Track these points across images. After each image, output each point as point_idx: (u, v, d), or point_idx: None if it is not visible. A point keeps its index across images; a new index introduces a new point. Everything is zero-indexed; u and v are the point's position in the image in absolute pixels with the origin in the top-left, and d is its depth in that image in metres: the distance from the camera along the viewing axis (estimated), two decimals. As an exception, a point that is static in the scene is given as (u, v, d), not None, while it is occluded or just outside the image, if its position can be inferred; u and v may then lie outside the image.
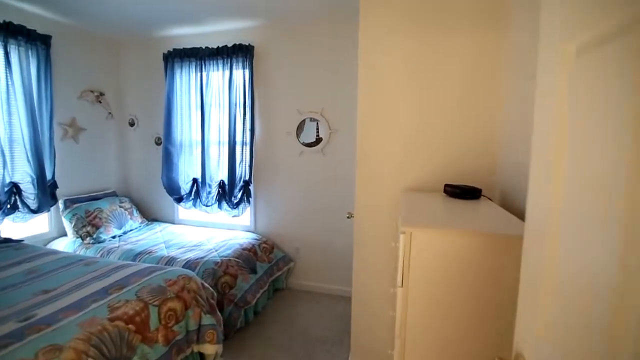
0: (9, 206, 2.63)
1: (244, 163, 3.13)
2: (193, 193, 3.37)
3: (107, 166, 3.56)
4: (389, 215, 1.80)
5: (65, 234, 3.04)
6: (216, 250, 2.74)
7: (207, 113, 3.17)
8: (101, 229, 2.99)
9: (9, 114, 2.59)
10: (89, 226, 2.95)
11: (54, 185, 2.93)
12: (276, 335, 2.44)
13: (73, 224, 2.95)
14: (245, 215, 3.28)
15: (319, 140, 3.00)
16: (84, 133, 3.28)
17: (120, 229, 3.16)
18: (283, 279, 3.16)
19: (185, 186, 3.36)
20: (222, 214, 3.30)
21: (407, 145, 1.76)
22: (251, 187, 3.20)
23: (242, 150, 3.11)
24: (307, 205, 3.11)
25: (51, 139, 2.89)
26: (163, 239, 3.04)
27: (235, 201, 3.17)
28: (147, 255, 2.65)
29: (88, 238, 2.91)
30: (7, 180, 2.62)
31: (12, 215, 2.66)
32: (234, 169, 3.12)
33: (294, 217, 3.17)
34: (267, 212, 3.27)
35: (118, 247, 2.82)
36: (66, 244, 2.91)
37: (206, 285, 2.17)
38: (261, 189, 3.26)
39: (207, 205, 3.28)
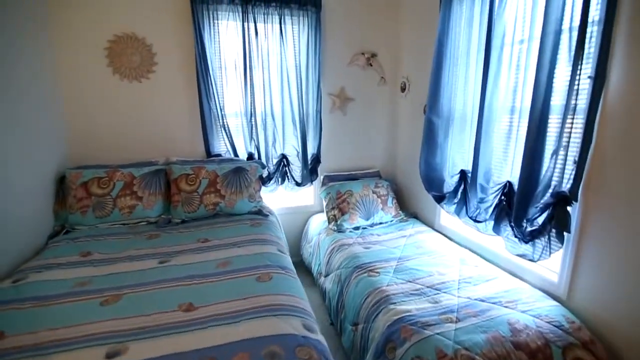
0: (279, 177, 2.77)
1: (561, 155, 1.46)
2: (459, 193, 2.14)
3: (375, 141, 3.08)
4: None
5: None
6: (476, 322, 1.45)
7: (494, 62, 1.72)
8: (346, 216, 2.57)
9: (281, 87, 2.61)
10: (336, 209, 2.62)
11: (316, 159, 2.82)
12: None
13: (325, 203, 2.74)
14: (552, 258, 1.62)
15: None
16: (352, 104, 2.92)
17: (367, 219, 2.61)
18: None
19: (450, 180, 2.19)
20: (500, 241, 1.85)
21: None
22: (575, 206, 1.49)
23: (561, 129, 1.44)
24: None
25: (317, 111, 2.72)
26: (402, 252, 2.14)
27: (529, 228, 1.61)
28: (363, 275, 1.88)
29: (332, 223, 2.59)
30: (279, 152, 2.74)
31: (284, 184, 2.80)
32: (536, 165, 1.53)
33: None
34: (609, 266, 1.43)
35: (350, 245, 2.27)
36: (319, 223, 2.77)
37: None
38: (602, 209, 1.45)
39: (475, 220, 1.96)
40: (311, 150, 2.79)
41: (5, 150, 1.74)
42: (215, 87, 2.45)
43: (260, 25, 2.46)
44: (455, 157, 2.15)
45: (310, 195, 3.03)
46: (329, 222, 2.64)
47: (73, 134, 2.32)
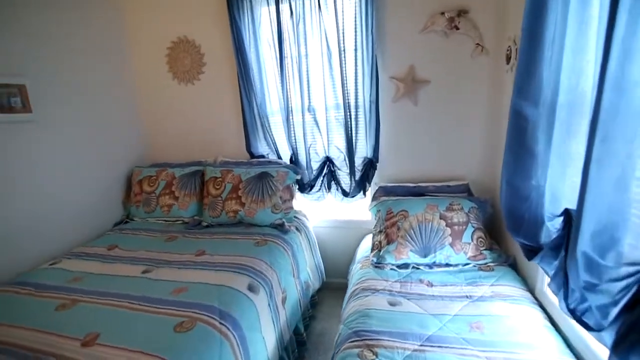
0: (325, 183, 2.30)
1: None
2: (562, 250, 1.10)
3: (464, 141, 2.12)
4: None
5: (381, 231, 2.28)
6: None
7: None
8: (391, 246, 1.85)
9: (323, 75, 2.10)
10: (382, 234, 1.94)
11: (369, 164, 2.18)
12: None
13: (374, 224, 2.09)
14: None
15: None
16: (427, 88, 2.07)
17: (424, 255, 1.80)
18: None
19: (551, 223, 1.16)
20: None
21: None
22: None
23: None
24: None
25: (373, 102, 2.07)
26: (441, 327, 1.33)
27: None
28: (353, 351, 1.24)
29: (374, 252, 1.93)
30: (321, 155, 2.27)
31: (332, 192, 2.33)
32: None
33: None
34: None
35: (374, 292, 1.59)
36: (366, 248, 2.15)
37: None
38: None
39: (581, 321, 0.94)
40: (362, 152, 2.17)
41: (90, 147, 2.17)
42: (252, 83, 2.23)
43: (295, 3, 2.04)
44: (558, 182, 1.11)
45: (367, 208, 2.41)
46: (372, 250, 1.99)
47: (144, 134, 2.65)
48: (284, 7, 2.06)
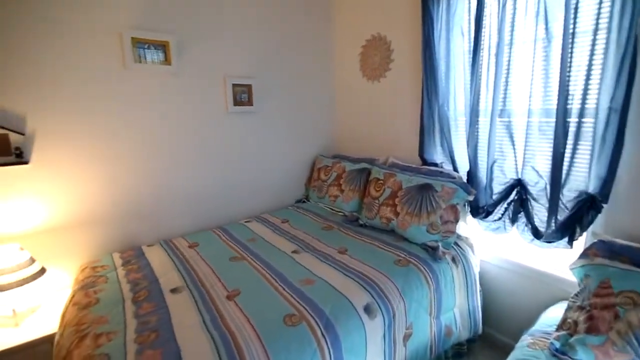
0: (509, 213, 1.75)
1: None
2: None
3: None
4: None
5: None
6: None
7: None
8: (592, 338, 1.19)
9: (532, 66, 1.52)
10: (582, 312, 1.28)
11: (588, 203, 1.45)
12: None
13: (575, 291, 1.39)
14: None
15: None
16: None
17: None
18: None
19: None
20: None
21: None
22: None
23: None
24: None
25: (616, 110, 1.33)
26: None
27: None
28: None
29: (561, 334, 1.30)
30: (509, 175, 1.70)
31: (517, 226, 1.75)
32: None
33: None
34: None
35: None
36: (554, 317, 1.49)
37: None
38: None
39: None
40: (579, 182, 1.47)
41: (291, 134, 2.63)
42: (437, 80, 1.95)
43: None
44: None
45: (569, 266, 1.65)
46: (558, 327, 1.36)
47: (333, 127, 2.90)
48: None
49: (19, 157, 1.63)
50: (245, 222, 2.33)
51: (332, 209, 2.45)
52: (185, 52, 2.06)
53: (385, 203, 2.01)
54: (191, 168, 2.20)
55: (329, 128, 2.90)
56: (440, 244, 1.76)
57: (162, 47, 1.92)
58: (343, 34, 2.68)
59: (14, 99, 1.61)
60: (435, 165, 2.11)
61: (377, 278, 1.52)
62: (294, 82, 2.59)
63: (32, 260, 1.61)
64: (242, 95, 2.30)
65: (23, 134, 1.64)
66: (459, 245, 1.84)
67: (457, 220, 1.81)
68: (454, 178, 1.90)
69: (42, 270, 1.64)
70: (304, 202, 2.72)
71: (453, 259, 1.74)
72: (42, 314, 1.66)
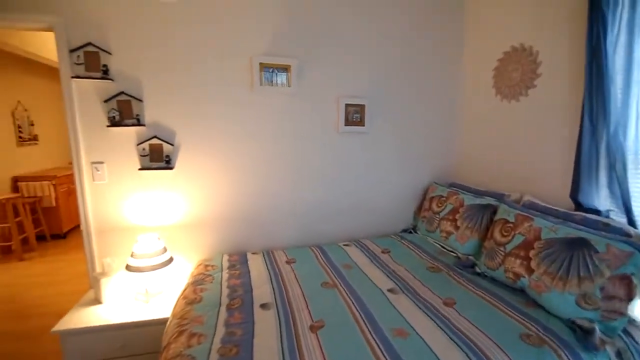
0: None
1: None
2: None
3: None
4: None
5: None
6: None
7: None
8: None
9: None
10: None
11: None
12: None
13: None
14: None
15: None
16: None
17: None
18: None
19: None
20: None
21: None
22: None
23: None
24: None
25: None
26: None
27: None
28: None
29: None
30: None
31: None
32: None
33: None
34: None
35: None
36: None
37: None
38: None
39: None
40: None
41: (403, 156, 2.47)
42: (607, 100, 1.45)
43: None
44: None
45: None
46: None
47: (452, 151, 2.54)
48: None
49: (168, 164, 1.99)
50: (344, 245, 2.24)
51: (442, 247, 2.12)
52: (304, 74, 2.15)
53: (515, 254, 1.58)
54: (299, 184, 2.26)
55: (446, 152, 2.56)
56: (598, 327, 1.25)
57: (285, 70, 2.06)
58: (475, 47, 2.34)
59: (168, 116, 1.97)
60: (598, 213, 1.56)
61: (491, 352, 1.17)
62: (412, 100, 2.40)
63: (165, 250, 1.92)
64: (355, 115, 2.25)
65: (172, 145, 1.99)
66: (630, 335, 1.27)
67: (629, 299, 1.26)
68: (630, 236, 1.34)
69: (170, 259, 1.93)
70: (410, 232, 2.46)
71: (618, 354, 1.21)
72: (165, 297, 1.95)
